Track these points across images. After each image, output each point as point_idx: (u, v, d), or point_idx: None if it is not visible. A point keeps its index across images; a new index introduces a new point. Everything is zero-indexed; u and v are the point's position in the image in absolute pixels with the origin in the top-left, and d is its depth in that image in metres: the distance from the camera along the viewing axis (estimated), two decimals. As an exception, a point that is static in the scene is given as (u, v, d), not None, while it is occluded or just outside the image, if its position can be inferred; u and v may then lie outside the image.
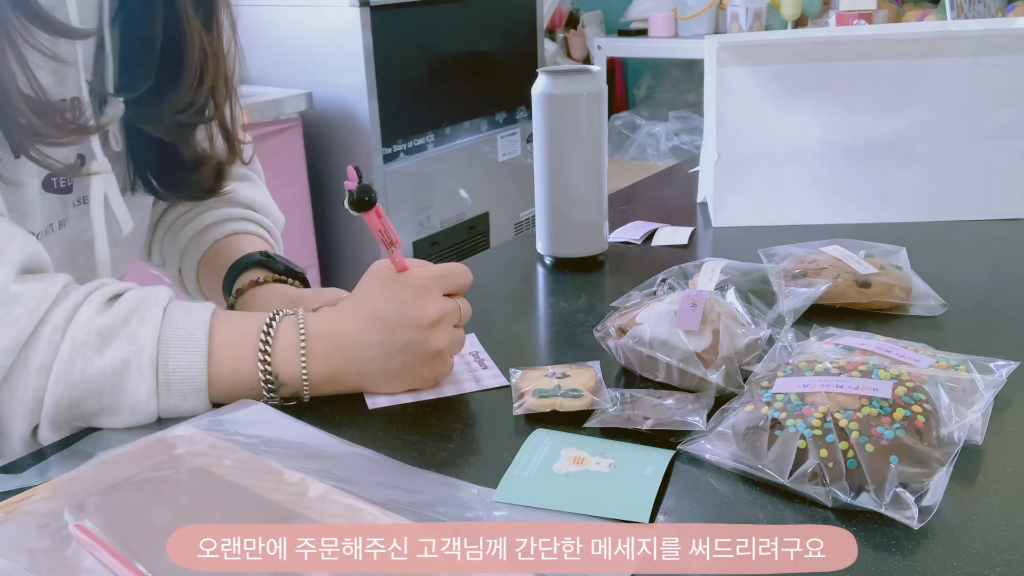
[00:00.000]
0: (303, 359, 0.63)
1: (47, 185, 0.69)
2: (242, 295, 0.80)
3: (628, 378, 0.67)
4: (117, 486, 0.53)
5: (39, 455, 0.60)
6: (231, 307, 0.80)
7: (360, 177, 0.61)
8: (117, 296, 0.62)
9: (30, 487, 0.54)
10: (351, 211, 0.62)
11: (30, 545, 0.47)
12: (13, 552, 0.47)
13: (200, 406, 0.62)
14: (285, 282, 0.81)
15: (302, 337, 0.63)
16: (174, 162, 0.78)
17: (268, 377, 0.62)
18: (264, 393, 0.63)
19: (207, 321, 0.62)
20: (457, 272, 0.67)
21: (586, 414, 0.61)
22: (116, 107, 0.72)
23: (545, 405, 0.62)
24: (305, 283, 0.82)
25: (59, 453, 0.60)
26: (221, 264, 0.82)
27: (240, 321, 0.65)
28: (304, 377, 0.63)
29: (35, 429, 0.61)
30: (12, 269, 0.59)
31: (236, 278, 0.80)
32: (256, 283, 0.80)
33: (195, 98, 0.75)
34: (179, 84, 0.73)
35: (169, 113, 0.75)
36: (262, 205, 0.91)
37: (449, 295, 0.66)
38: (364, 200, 0.61)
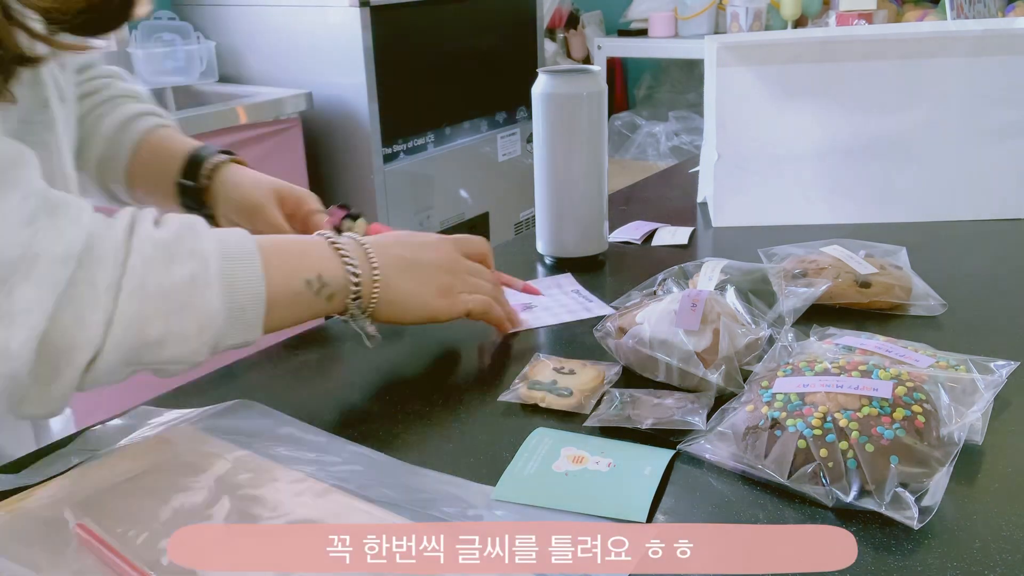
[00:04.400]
0: (343, 259, 0.65)
1: None
2: (218, 172, 0.81)
3: (628, 378, 0.67)
4: (117, 485, 0.53)
5: (38, 455, 0.60)
6: (204, 189, 0.81)
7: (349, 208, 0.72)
8: (156, 219, 0.61)
9: (30, 486, 0.54)
10: None
11: (30, 544, 0.47)
12: (14, 551, 0.47)
13: (256, 322, 0.61)
14: (243, 163, 0.84)
15: (340, 248, 0.66)
16: None
17: (311, 277, 0.63)
18: (312, 296, 0.64)
19: (251, 236, 0.63)
20: (473, 238, 0.76)
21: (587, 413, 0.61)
22: None
23: (532, 397, 0.63)
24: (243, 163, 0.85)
25: (58, 452, 0.60)
26: (167, 156, 0.82)
27: (275, 236, 0.67)
28: (354, 279, 0.65)
29: (89, 365, 0.56)
30: (43, 183, 0.56)
31: (200, 165, 0.81)
32: (223, 164, 0.82)
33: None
34: None
35: None
36: (150, 98, 0.89)
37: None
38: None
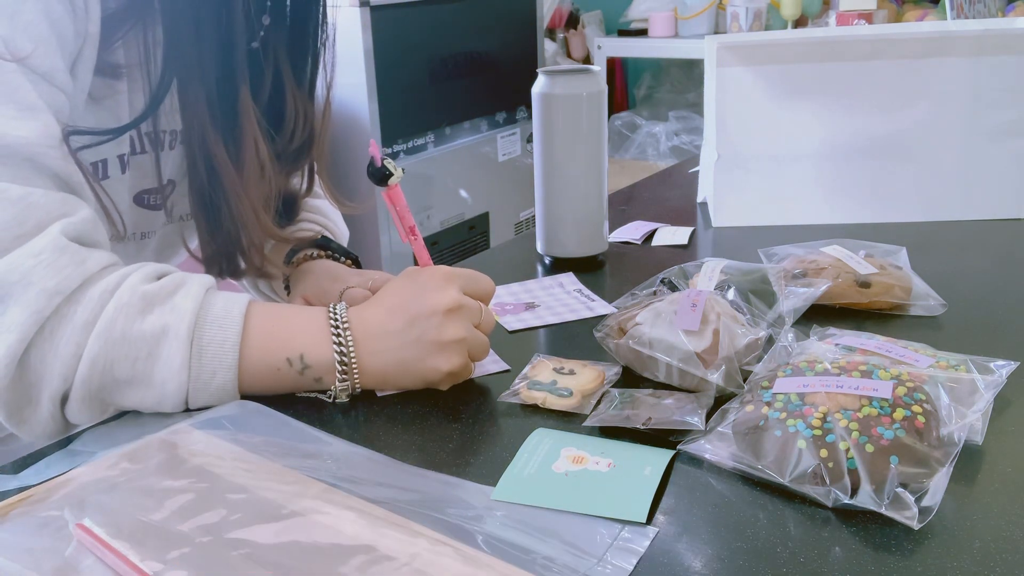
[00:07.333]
0: (334, 342, 0.64)
1: (138, 200, 0.77)
2: (296, 268, 0.84)
3: (628, 378, 0.67)
4: (117, 485, 0.53)
5: (39, 455, 0.60)
6: (287, 280, 0.84)
7: (381, 160, 0.67)
8: (164, 275, 0.64)
9: (30, 487, 0.54)
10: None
11: (30, 544, 0.47)
12: (13, 551, 0.47)
13: (228, 387, 0.63)
14: (337, 259, 0.85)
15: (332, 322, 0.65)
16: None
17: (292, 356, 0.64)
18: (296, 374, 0.64)
19: (244, 303, 0.64)
20: (480, 277, 0.69)
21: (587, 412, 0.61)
22: None
23: (533, 398, 0.63)
24: (357, 264, 0.86)
25: (59, 452, 0.60)
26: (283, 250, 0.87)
27: (276, 308, 0.67)
28: (339, 361, 0.64)
29: (64, 399, 0.61)
30: (69, 230, 0.61)
31: (294, 255, 0.85)
32: (309, 257, 0.84)
33: (288, 147, 0.83)
34: (277, 135, 0.81)
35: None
36: (325, 212, 0.96)
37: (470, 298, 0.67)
38: (375, 175, 0.67)
